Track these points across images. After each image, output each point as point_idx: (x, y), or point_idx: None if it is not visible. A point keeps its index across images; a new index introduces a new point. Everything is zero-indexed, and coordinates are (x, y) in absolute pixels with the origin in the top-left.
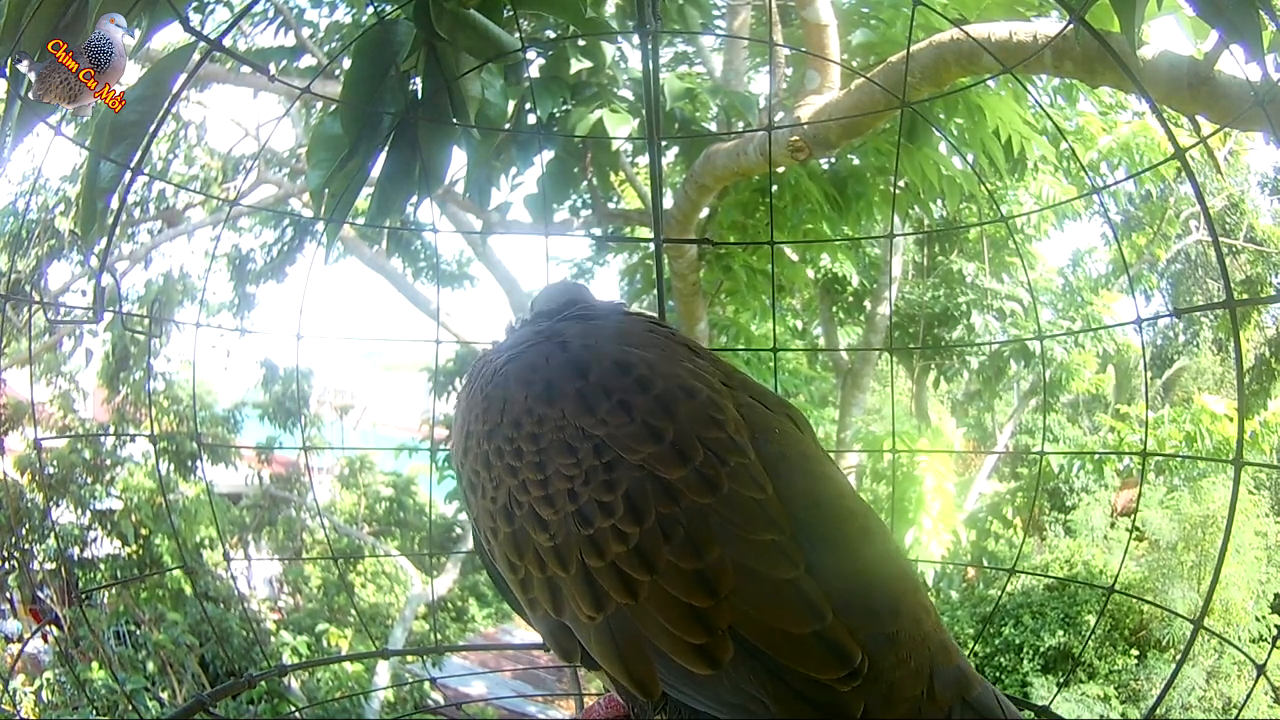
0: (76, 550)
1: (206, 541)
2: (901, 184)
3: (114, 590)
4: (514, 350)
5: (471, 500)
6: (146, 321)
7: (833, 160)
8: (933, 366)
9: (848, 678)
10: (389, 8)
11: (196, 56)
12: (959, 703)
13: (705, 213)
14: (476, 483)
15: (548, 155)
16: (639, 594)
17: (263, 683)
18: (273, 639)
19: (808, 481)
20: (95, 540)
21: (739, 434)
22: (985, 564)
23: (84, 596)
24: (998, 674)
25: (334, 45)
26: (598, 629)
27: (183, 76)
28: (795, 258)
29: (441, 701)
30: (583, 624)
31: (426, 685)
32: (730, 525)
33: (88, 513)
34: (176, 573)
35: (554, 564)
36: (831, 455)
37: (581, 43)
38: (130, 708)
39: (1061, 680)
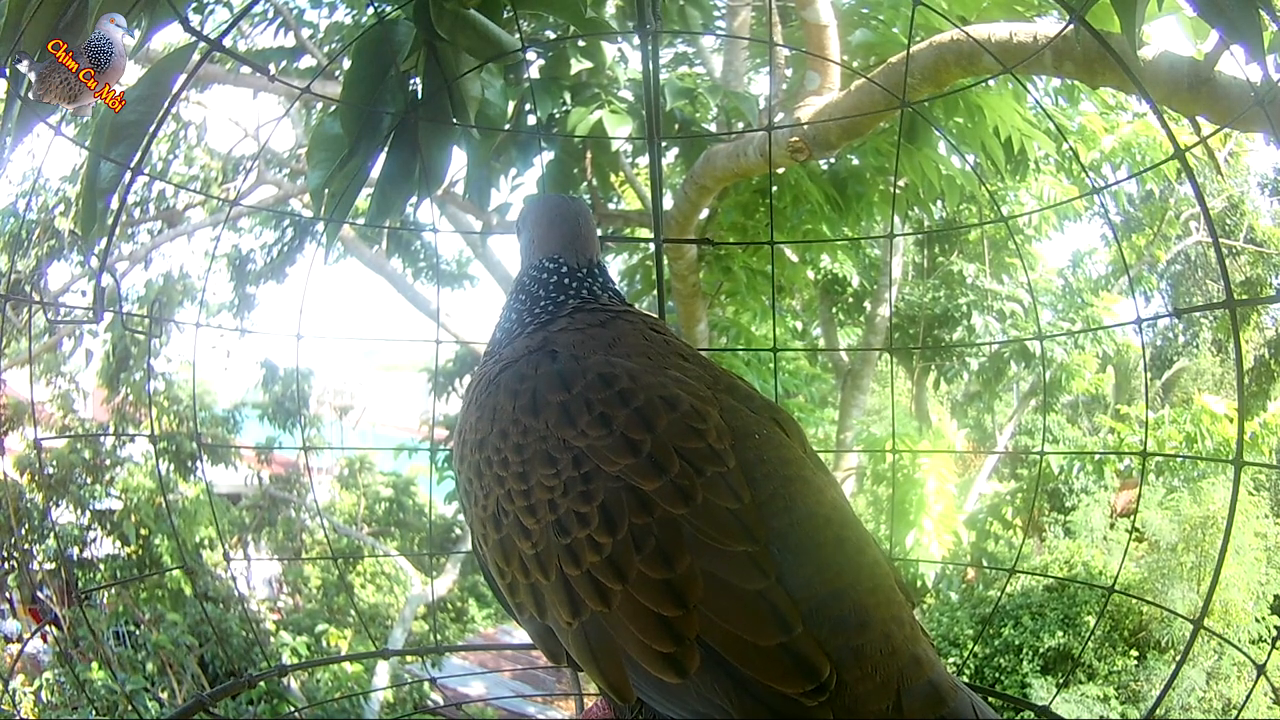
0: (76, 550)
1: (206, 541)
2: (901, 184)
3: (114, 590)
4: (509, 360)
5: (467, 508)
6: (146, 322)
7: (833, 160)
8: (933, 367)
9: (815, 691)
10: (389, 8)
11: (196, 56)
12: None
13: (705, 213)
14: (470, 490)
15: (547, 156)
16: (612, 602)
17: (262, 683)
18: (272, 639)
19: (785, 487)
20: (95, 540)
21: (720, 442)
22: (985, 565)
23: (84, 596)
24: (998, 675)
25: (334, 45)
26: (574, 634)
27: (183, 76)
28: (795, 258)
29: (441, 702)
30: (562, 629)
31: (426, 685)
32: (702, 535)
33: (87, 513)
34: (176, 573)
35: (536, 571)
36: (830, 457)
37: (581, 43)
38: (130, 708)
39: (1061, 681)
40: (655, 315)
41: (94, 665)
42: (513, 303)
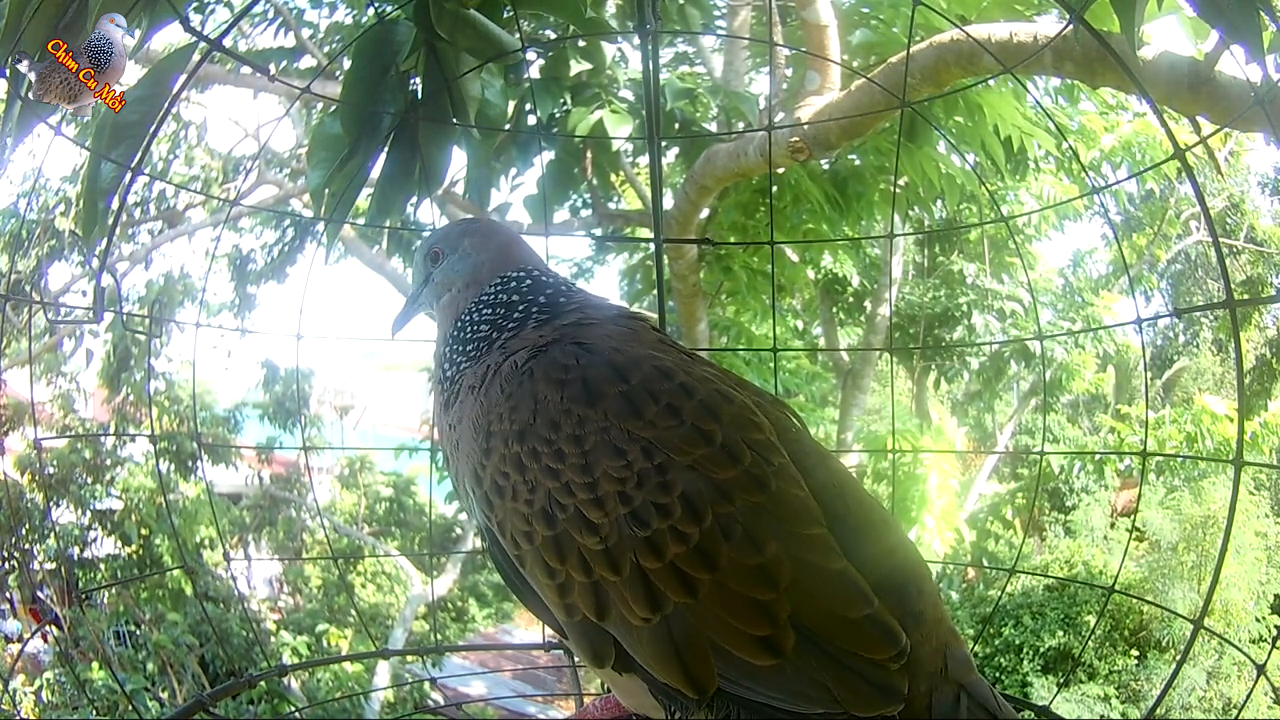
0: (76, 550)
1: (206, 541)
2: (902, 184)
3: (114, 590)
4: (530, 349)
5: (496, 503)
6: (147, 322)
7: (833, 160)
8: (933, 367)
9: (896, 656)
10: (389, 8)
11: (196, 57)
12: (961, 688)
13: (705, 213)
14: (504, 485)
15: (547, 156)
16: (698, 592)
17: (263, 683)
18: (273, 639)
19: (828, 475)
20: (95, 540)
21: (773, 435)
22: (985, 564)
23: (84, 596)
24: (998, 674)
25: (334, 45)
26: (653, 630)
27: (183, 77)
28: (795, 258)
29: (441, 701)
30: (634, 627)
31: (426, 685)
32: (781, 521)
33: (88, 513)
34: (176, 573)
35: (603, 568)
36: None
37: (581, 43)
38: (130, 708)
39: (1062, 680)
40: (654, 316)
41: (94, 665)
42: (481, 314)
